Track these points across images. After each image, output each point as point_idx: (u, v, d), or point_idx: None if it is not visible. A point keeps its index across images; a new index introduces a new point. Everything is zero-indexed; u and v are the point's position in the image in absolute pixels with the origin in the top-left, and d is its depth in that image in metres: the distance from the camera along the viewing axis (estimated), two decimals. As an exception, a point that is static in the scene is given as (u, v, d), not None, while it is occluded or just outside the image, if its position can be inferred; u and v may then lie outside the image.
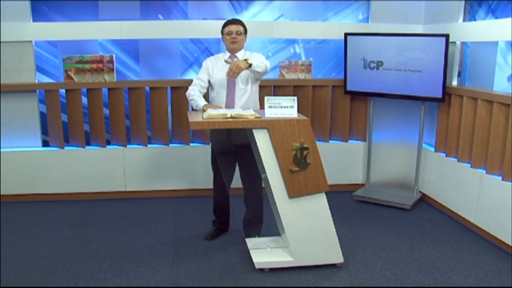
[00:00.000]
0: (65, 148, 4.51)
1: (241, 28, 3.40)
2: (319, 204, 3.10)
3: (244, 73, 3.32)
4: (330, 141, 4.85)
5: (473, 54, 4.14)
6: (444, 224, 4.03)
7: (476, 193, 3.81)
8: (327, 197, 3.11)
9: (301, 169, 3.02)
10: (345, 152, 4.86)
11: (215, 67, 3.45)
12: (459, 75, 4.32)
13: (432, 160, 4.45)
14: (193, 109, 3.65)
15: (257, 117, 3.00)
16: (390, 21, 4.67)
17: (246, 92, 3.40)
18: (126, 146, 4.57)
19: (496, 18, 3.85)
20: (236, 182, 3.62)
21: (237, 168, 3.60)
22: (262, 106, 3.34)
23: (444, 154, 4.29)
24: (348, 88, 4.59)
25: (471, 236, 3.78)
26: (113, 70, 4.40)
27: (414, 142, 4.52)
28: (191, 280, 3.06)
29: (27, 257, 3.36)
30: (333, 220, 3.15)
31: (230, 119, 2.95)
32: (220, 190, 3.59)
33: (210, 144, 3.66)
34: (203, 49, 4.66)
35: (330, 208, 3.13)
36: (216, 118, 2.97)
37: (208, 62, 3.49)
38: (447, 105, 4.23)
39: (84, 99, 4.49)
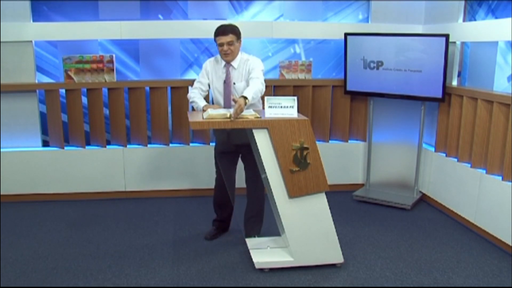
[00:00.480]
0: (65, 148, 4.51)
1: (232, 38, 3.27)
2: (319, 204, 3.10)
3: (239, 86, 3.33)
4: (330, 141, 4.84)
5: (473, 54, 4.14)
6: (444, 224, 4.03)
7: (476, 193, 3.80)
8: (327, 197, 3.11)
9: (301, 169, 3.02)
10: (345, 152, 4.86)
11: (214, 75, 3.43)
12: (459, 75, 4.32)
13: (432, 160, 4.45)
14: (193, 109, 3.65)
15: (257, 117, 3.00)
16: (390, 21, 4.67)
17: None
18: (126, 146, 4.57)
19: (496, 18, 3.85)
20: (237, 182, 3.63)
21: (240, 168, 3.60)
22: (262, 106, 3.34)
23: (444, 154, 4.29)
24: (348, 88, 4.59)
25: (471, 236, 3.78)
26: (113, 70, 4.40)
27: (414, 142, 4.52)
28: (191, 280, 3.06)
29: (27, 257, 3.36)
30: (333, 220, 3.15)
31: (230, 119, 2.95)
32: (219, 187, 3.62)
33: (214, 143, 3.67)
34: (203, 49, 4.66)
35: (330, 208, 3.13)
36: (216, 118, 2.97)
37: (208, 66, 3.47)
38: (447, 105, 4.23)
39: (84, 99, 4.49)
